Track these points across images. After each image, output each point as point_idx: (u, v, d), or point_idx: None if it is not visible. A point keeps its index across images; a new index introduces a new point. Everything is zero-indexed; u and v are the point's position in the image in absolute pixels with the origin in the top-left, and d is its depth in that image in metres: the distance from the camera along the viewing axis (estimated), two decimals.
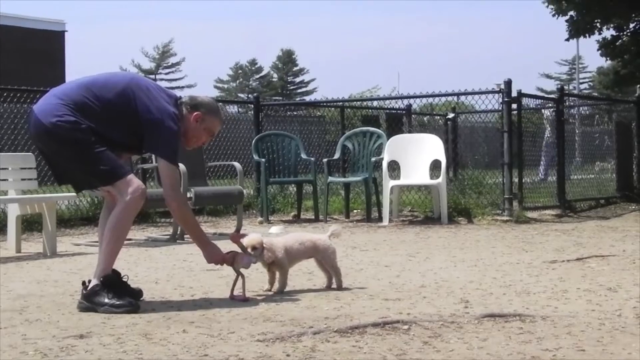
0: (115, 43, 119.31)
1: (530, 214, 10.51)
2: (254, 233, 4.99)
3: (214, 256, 4.81)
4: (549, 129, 14.47)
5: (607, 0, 21.85)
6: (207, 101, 4.89)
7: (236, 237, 4.90)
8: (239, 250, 4.82)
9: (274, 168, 11.11)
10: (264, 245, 4.85)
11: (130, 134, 4.64)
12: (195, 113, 4.76)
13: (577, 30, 23.03)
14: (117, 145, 4.64)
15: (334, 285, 5.10)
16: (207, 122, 4.80)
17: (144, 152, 5.02)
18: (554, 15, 23.10)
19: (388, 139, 10.64)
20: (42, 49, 36.41)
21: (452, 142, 13.84)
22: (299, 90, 77.10)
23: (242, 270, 4.81)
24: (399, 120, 14.54)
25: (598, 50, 23.85)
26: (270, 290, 4.97)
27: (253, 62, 77.70)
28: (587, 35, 23.22)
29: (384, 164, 10.28)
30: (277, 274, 5.00)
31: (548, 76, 76.38)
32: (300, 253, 5.07)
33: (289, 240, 5.07)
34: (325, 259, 5.09)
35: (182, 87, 70.09)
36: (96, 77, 4.74)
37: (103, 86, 4.62)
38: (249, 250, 4.81)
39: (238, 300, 4.69)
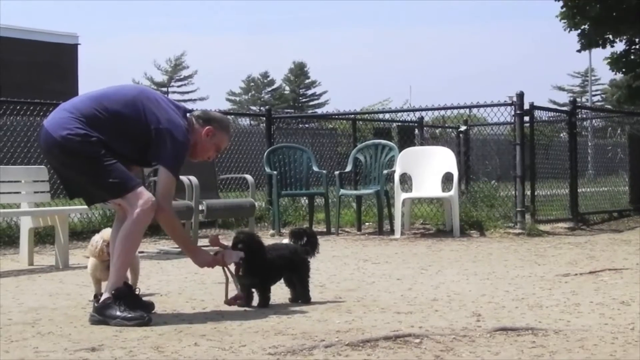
0: (128, 56, 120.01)
1: (543, 227, 10.47)
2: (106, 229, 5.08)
3: (205, 260, 4.92)
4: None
5: (620, 13, 21.87)
6: (219, 117, 4.97)
7: (215, 239, 5.00)
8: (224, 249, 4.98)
9: (285, 180, 11.12)
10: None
11: (140, 146, 4.65)
12: (207, 127, 4.78)
13: (589, 43, 23.16)
14: (127, 157, 4.66)
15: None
16: (217, 138, 4.84)
17: (154, 164, 5.04)
18: (565, 29, 23.20)
19: (400, 152, 10.64)
20: (54, 62, 36.55)
21: (464, 154, 13.81)
22: (311, 103, 77.18)
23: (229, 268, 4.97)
24: (410, 133, 14.54)
25: (607, 65, 24.00)
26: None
27: (265, 75, 77.90)
28: (598, 46, 23.38)
29: (396, 177, 10.27)
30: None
31: (561, 88, 76.24)
32: None
33: None
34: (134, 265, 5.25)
35: (195, 99, 70.27)
36: (105, 90, 4.77)
37: (112, 99, 4.65)
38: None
39: (235, 301, 4.86)
